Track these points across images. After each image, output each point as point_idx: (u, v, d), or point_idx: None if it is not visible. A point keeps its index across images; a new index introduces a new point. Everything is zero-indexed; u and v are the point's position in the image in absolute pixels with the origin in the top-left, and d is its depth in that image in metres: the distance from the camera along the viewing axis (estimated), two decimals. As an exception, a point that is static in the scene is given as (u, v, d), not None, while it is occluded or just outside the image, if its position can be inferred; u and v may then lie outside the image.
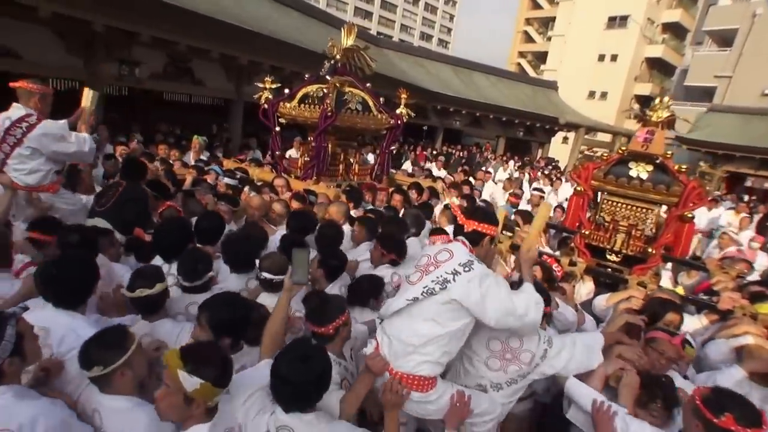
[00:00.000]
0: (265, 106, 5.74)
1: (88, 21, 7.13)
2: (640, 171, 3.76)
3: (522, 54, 41.24)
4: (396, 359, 2.00)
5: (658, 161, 3.78)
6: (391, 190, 5.80)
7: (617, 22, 31.51)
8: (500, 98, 19.93)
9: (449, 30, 65.53)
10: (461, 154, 17.03)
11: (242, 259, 2.79)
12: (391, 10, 56.63)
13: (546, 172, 14.83)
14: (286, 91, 5.91)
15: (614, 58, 31.67)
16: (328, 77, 5.61)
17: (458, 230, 2.16)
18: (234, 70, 10.91)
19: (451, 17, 65.33)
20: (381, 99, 6.17)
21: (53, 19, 6.76)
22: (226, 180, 5.10)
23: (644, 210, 3.88)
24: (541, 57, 38.16)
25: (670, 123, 3.82)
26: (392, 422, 1.99)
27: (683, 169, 3.74)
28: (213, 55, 9.45)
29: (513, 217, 5.38)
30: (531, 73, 37.98)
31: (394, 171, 8.08)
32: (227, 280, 2.81)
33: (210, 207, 4.04)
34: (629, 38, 30.98)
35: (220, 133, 11.86)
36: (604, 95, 31.92)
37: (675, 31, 32.65)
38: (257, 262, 2.58)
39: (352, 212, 4.59)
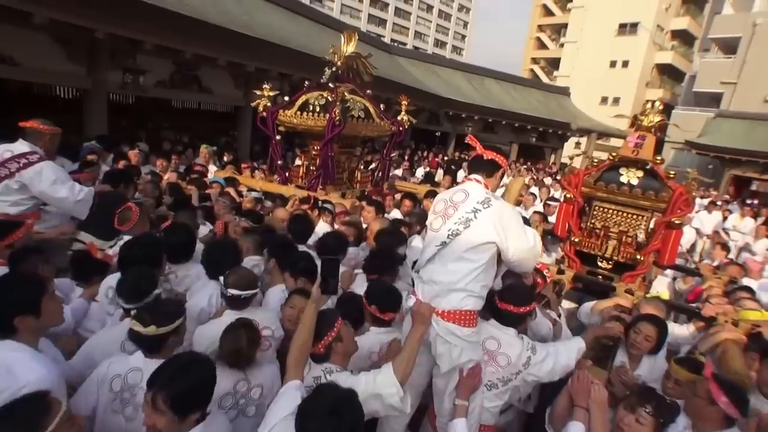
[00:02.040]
0: (264, 114, 5.32)
1: (89, 28, 6.54)
2: (630, 177, 3.57)
3: (535, 60, 40.18)
4: (438, 302, 1.97)
5: (648, 167, 3.57)
6: (400, 196, 5.55)
7: (628, 28, 30.51)
8: (512, 104, 19.20)
9: (463, 37, 64.36)
10: (444, 158, 15.82)
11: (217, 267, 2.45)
12: (405, 18, 55.71)
13: (558, 177, 14.06)
14: (286, 98, 5.51)
15: (625, 64, 30.68)
16: (330, 84, 5.20)
17: (476, 161, 2.18)
18: (242, 78, 10.32)
19: (465, 24, 64.15)
20: (381, 105, 5.86)
21: (51, 25, 6.20)
22: (253, 194, 4.81)
23: (635, 216, 3.68)
24: (554, 63, 37.08)
25: (661, 128, 3.64)
26: (416, 338, 1.88)
27: (671, 175, 3.53)
28: (220, 62, 8.84)
29: None
30: (544, 79, 36.98)
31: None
32: (206, 287, 2.54)
33: (231, 227, 3.57)
34: (640, 45, 30.02)
35: (228, 140, 11.30)
36: (616, 101, 30.86)
37: (683, 37, 31.68)
38: (220, 278, 2.21)
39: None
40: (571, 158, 20.24)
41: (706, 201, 11.50)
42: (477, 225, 1.94)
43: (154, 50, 7.74)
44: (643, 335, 2.48)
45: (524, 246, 2.04)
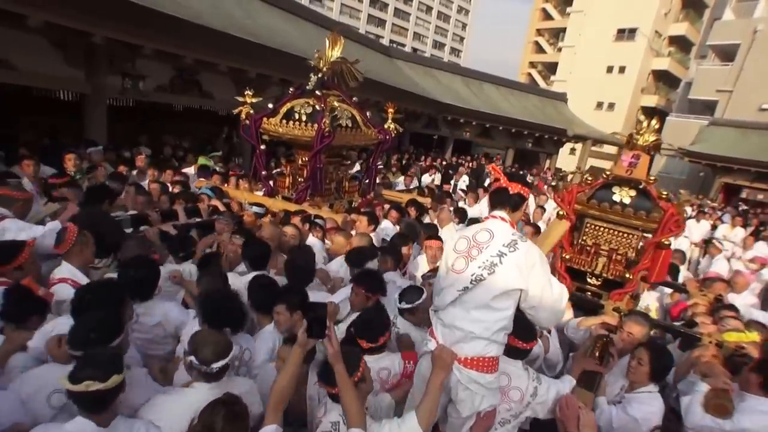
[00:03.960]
0: (247, 121, 5.04)
1: (86, 32, 6.37)
2: (623, 196, 3.55)
3: (533, 64, 40.19)
4: (460, 348, 1.89)
5: (641, 186, 3.55)
6: (387, 207, 5.41)
7: (626, 34, 30.56)
8: (510, 109, 19.18)
9: (461, 39, 64.28)
10: (442, 162, 15.63)
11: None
12: (404, 19, 55.57)
13: (554, 184, 14.06)
14: (270, 105, 5.21)
15: (622, 69, 30.75)
16: (317, 92, 5.00)
17: (500, 194, 2.01)
18: (243, 83, 10.27)
19: (464, 26, 64.06)
20: (368, 113, 5.68)
21: (47, 29, 6.02)
22: (254, 209, 4.55)
23: (625, 235, 3.66)
24: (551, 67, 37.13)
25: (656, 147, 3.59)
26: (437, 386, 1.81)
27: (664, 195, 3.49)
28: (221, 68, 8.77)
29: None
30: (541, 83, 37.02)
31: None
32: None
33: (225, 247, 3.40)
34: (637, 50, 30.09)
35: (227, 145, 11.22)
36: (611, 106, 31.02)
37: (681, 44, 31.75)
38: (186, 346, 1.86)
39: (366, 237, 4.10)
40: (568, 175, 20.18)
41: (690, 210, 11.55)
42: (502, 270, 1.83)
43: (153, 55, 7.61)
44: (636, 359, 2.48)
45: (546, 295, 1.90)
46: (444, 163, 15.36)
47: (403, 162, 14.56)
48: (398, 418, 1.80)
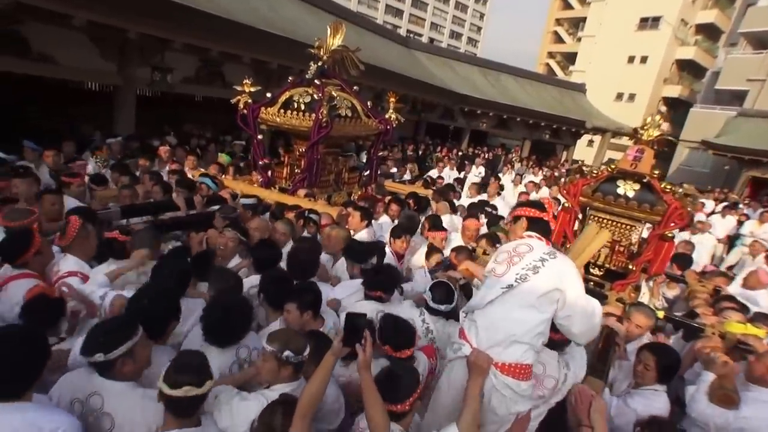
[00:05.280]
0: (244, 111, 4.95)
1: (122, 29, 6.83)
2: (627, 189, 3.62)
3: (551, 54, 39.48)
4: (498, 354, 1.90)
5: (645, 180, 3.62)
6: (387, 199, 5.26)
7: (649, 23, 29.65)
8: (528, 100, 19.06)
9: (479, 29, 63.44)
10: (458, 153, 15.47)
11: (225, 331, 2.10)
12: (422, 8, 55.09)
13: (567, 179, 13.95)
14: (268, 94, 5.12)
15: (644, 59, 29.89)
16: (316, 81, 4.90)
17: (536, 223, 2.18)
18: (265, 74, 10.54)
19: (482, 16, 63.19)
20: (369, 103, 5.55)
21: (88, 26, 6.50)
22: (243, 201, 4.26)
23: (629, 227, 3.76)
24: (570, 58, 36.42)
25: (660, 142, 3.69)
26: (476, 393, 1.80)
27: (668, 189, 3.55)
28: (245, 59, 9.05)
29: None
30: (559, 73, 36.39)
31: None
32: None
33: (219, 239, 3.17)
34: (660, 39, 29.15)
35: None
36: (632, 97, 30.21)
37: (708, 32, 30.52)
38: (266, 345, 1.86)
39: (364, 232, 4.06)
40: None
41: (712, 204, 11.28)
42: (545, 272, 1.93)
43: (181, 48, 7.97)
44: (642, 364, 2.48)
45: (581, 304, 1.95)
46: (460, 153, 15.43)
47: (419, 153, 14.71)
48: None
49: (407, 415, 1.78)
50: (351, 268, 3.19)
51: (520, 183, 10.40)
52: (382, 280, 2.74)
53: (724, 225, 9.10)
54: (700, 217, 8.84)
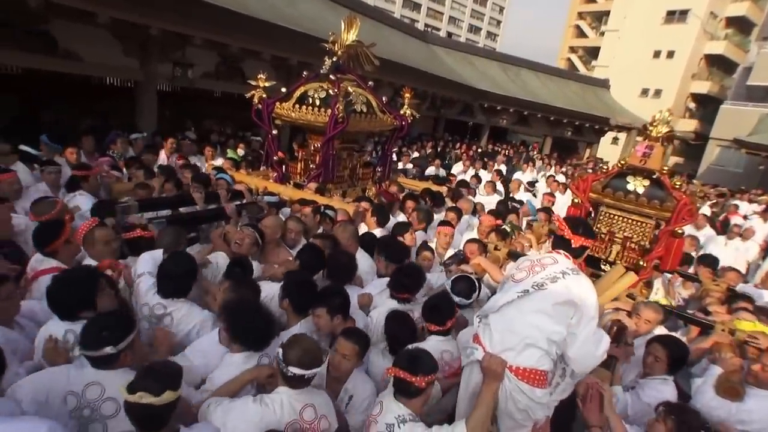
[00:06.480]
0: (259, 106, 4.93)
1: (145, 25, 6.96)
2: (637, 185, 3.65)
3: (573, 49, 38.73)
4: (513, 358, 1.88)
5: (655, 176, 3.64)
6: (402, 196, 5.31)
7: (676, 16, 28.73)
8: (549, 97, 18.73)
9: (498, 22, 62.64)
10: (477, 149, 15.39)
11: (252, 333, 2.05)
12: (440, 2, 54.62)
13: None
14: (283, 89, 5.08)
15: (671, 54, 28.99)
16: (331, 76, 4.87)
17: (562, 243, 2.15)
18: (284, 70, 10.59)
19: (501, 9, 62.34)
20: (384, 98, 5.55)
21: (112, 23, 6.64)
22: (267, 198, 4.23)
23: (640, 223, 3.77)
24: (592, 52, 35.65)
25: (669, 139, 3.70)
26: (490, 397, 1.80)
27: (677, 185, 3.60)
28: (264, 56, 9.10)
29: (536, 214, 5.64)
30: (581, 68, 35.67)
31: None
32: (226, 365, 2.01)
33: (232, 236, 3.12)
34: (688, 33, 28.22)
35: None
36: (657, 93, 29.37)
37: (740, 25, 29.44)
38: (280, 350, 1.80)
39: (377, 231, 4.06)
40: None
41: (746, 206, 10.84)
42: (564, 283, 1.92)
43: (202, 44, 8.06)
44: (652, 355, 2.53)
45: (590, 328, 1.92)
46: (479, 150, 15.27)
47: (438, 149, 14.61)
48: (448, 426, 1.79)
49: (421, 394, 1.80)
50: (384, 267, 3.23)
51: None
52: (409, 284, 2.76)
53: (764, 230, 8.53)
54: (736, 220, 8.50)
